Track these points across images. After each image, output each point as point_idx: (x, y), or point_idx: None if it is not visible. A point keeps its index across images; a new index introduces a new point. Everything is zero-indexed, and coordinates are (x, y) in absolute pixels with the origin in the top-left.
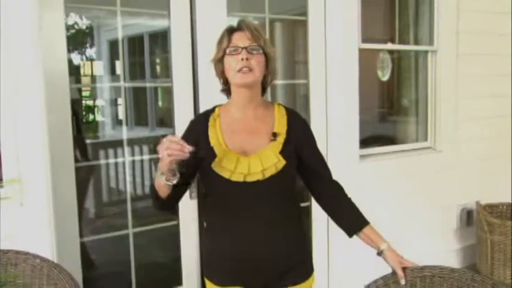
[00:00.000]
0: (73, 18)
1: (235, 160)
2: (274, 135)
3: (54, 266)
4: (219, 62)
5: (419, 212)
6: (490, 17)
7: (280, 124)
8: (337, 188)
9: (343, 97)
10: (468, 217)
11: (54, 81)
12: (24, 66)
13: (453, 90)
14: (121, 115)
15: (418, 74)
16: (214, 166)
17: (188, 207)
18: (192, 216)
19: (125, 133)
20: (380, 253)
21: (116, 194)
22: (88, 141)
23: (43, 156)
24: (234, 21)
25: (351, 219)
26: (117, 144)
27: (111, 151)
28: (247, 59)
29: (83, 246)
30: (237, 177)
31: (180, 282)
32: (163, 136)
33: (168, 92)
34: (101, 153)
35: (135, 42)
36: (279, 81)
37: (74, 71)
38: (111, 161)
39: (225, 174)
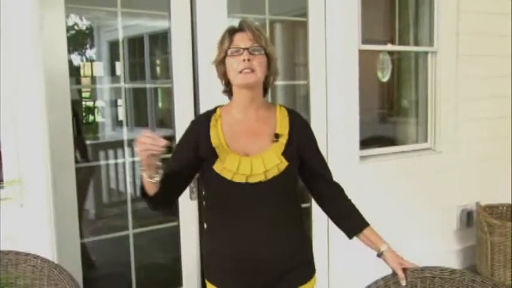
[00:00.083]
0: (73, 19)
1: (238, 161)
2: (277, 136)
3: (54, 267)
4: (220, 63)
5: (419, 212)
6: (490, 18)
7: (282, 125)
8: (338, 190)
9: (343, 98)
10: (468, 218)
11: (55, 81)
12: (25, 67)
13: (453, 91)
14: (121, 116)
15: (418, 75)
16: (216, 167)
17: (188, 208)
18: (192, 217)
19: (125, 134)
20: (380, 255)
21: (116, 195)
22: (88, 142)
23: (43, 156)
24: (234, 22)
25: (351, 221)
26: (117, 145)
27: (111, 152)
28: (248, 60)
29: (83, 247)
30: (239, 178)
31: (180, 283)
32: (164, 137)
33: (168, 93)
34: (101, 154)
35: (135, 43)
36: (279, 82)
37: (74, 72)
38: (111, 161)
39: (227, 175)
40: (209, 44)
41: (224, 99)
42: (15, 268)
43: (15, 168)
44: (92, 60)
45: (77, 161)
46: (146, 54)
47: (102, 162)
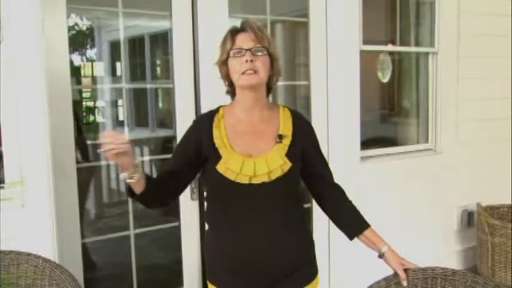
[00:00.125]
0: (73, 19)
1: (241, 162)
2: (280, 137)
3: (56, 267)
4: (223, 64)
5: (420, 213)
6: (490, 19)
7: (286, 126)
8: (339, 192)
9: (344, 99)
10: (469, 219)
11: (56, 82)
12: (27, 68)
13: (454, 91)
14: (121, 116)
15: (419, 75)
16: (219, 167)
17: (189, 208)
18: (193, 217)
19: (126, 134)
20: (381, 256)
21: (117, 195)
22: (89, 142)
23: (45, 157)
24: (235, 23)
25: (351, 223)
26: None
27: None
28: (251, 61)
29: (84, 247)
30: (242, 179)
31: (181, 284)
32: (164, 137)
33: (169, 93)
34: (102, 154)
35: (135, 44)
36: (280, 83)
37: (75, 72)
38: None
39: (231, 176)
40: (210, 44)
41: (225, 100)
42: (17, 268)
43: (17, 169)
44: (92, 61)
45: (78, 161)
46: (147, 54)
47: (103, 163)
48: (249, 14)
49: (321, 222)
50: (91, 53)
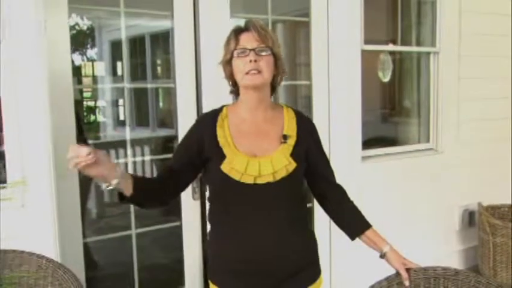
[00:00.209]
0: (74, 19)
1: (246, 162)
2: (285, 137)
3: (58, 267)
4: (227, 64)
5: (421, 213)
6: (492, 18)
7: (290, 126)
8: (341, 192)
9: (345, 98)
10: (470, 218)
11: (58, 82)
12: (28, 67)
13: (455, 91)
14: (122, 116)
15: (420, 75)
16: (224, 167)
17: (191, 208)
18: (195, 217)
19: (127, 134)
20: (383, 256)
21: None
22: (90, 141)
23: (46, 157)
24: (237, 23)
25: (353, 223)
26: (118, 144)
27: (112, 152)
28: (255, 61)
29: (86, 246)
30: (247, 179)
31: (182, 283)
32: (165, 137)
33: (170, 93)
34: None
35: (136, 43)
36: (282, 82)
37: (76, 72)
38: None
39: (235, 176)
40: (212, 44)
41: (227, 100)
42: (19, 268)
43: (18, 168)
44: (93, 60)
45: None
46: (147, 54)
47: None
48: (251, 13)
49: (322, 222)
50: (91, 52)
